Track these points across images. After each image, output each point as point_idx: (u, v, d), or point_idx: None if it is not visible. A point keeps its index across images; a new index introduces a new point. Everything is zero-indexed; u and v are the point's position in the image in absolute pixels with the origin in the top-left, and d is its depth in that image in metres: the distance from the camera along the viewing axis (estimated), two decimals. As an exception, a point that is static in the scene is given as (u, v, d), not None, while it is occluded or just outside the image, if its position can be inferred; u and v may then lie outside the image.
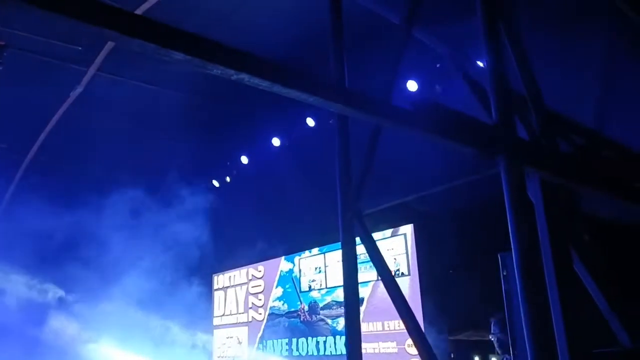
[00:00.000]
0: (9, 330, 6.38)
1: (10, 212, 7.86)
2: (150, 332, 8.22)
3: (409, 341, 7.27)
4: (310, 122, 8.78)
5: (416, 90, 7.03)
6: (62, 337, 6.96)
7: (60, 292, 7.77)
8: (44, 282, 7.65)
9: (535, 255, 2.89)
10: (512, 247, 2.74)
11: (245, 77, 2.06)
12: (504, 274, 4.59)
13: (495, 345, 4.18)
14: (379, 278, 7.62)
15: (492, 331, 4.26)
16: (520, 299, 2.63)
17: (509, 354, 4.03)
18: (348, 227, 3.40)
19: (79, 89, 7.80)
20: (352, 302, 3.33)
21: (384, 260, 3.40)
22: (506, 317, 4.44)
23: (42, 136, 8.11)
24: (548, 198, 3.28)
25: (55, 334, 6.95)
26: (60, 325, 7.16)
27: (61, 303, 7.66)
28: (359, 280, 8.40)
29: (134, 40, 1.70)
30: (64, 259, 7.00)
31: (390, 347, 7.43)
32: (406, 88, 7.04)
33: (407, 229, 7.62)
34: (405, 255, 7.50)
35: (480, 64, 4.15)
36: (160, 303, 8.45)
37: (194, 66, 1.91)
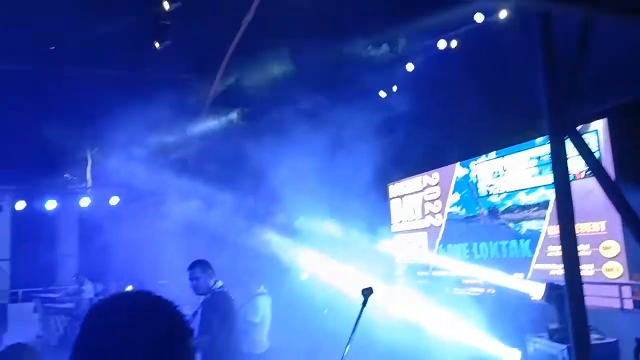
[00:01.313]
0: (221, 239, 7.42)
1: (209, 139, 8.79)
2: (337, 240, 8.88)
3: (604, 244, 6.92)
4: (479, 17, 8.23)
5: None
6: (266, 244, 7.89)
7: (258, 205, 8.78)
8: (246, 197, 8.67)
9: None
10: None
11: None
12: None
13: None
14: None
15: None
16: None
17: None
18: (556, 133, 3.22)
19: (249, 16, 8.13)
20: (564, 202, 3.23)
21: (595, 157, 3.18)
22: None
23: (224, 64, 8.72)
24: None
25: (260, 242, 7.90)
26: (263, 234, 8.11)
27: (263, 216, 8.62)
28: (544, 183, 7.99)
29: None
30: (260, 181, 7.77)
31: (583, 249, 7.08)
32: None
33: (599, 125, 6.98)
34: (597, 152, 6.92)
35: None
36: (343, 213, 9.00)
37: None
